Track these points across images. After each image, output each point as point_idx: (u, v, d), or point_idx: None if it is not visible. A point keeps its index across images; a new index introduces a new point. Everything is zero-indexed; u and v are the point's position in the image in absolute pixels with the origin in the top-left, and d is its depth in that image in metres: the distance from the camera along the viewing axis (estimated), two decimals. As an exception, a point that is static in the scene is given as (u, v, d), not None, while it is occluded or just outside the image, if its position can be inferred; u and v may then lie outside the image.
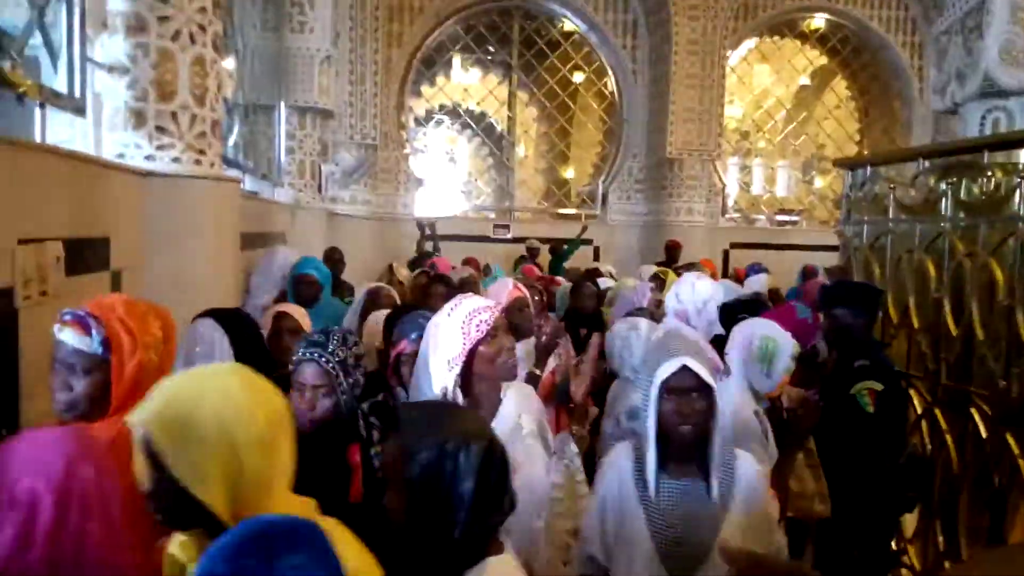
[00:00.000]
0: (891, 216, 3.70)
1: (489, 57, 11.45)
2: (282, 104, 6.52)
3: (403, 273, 5.88)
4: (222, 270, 3.16)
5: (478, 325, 1.95)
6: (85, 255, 2.36)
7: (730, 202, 11.69)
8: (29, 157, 2.03)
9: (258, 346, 2.38)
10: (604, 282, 5.36)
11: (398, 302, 3.59)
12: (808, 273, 6.71)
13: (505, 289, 3.17)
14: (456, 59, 11.41)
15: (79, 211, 2.33)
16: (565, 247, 9.39)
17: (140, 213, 2.83)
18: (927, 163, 3.54)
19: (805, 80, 12.13)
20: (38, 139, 2.53)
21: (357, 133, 9.15)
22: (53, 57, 2.62)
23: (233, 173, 5.04)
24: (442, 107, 11.54)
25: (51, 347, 1.72)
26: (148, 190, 2.87)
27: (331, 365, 1.97)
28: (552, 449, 2.02)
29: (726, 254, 10.88)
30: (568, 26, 11.34)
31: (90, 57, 2.78)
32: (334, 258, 5.84)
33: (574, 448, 1.95)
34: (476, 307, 1.99)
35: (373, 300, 3.54)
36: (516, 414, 2.01)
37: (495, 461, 1.32)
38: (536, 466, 1.94)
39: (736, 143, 12.08)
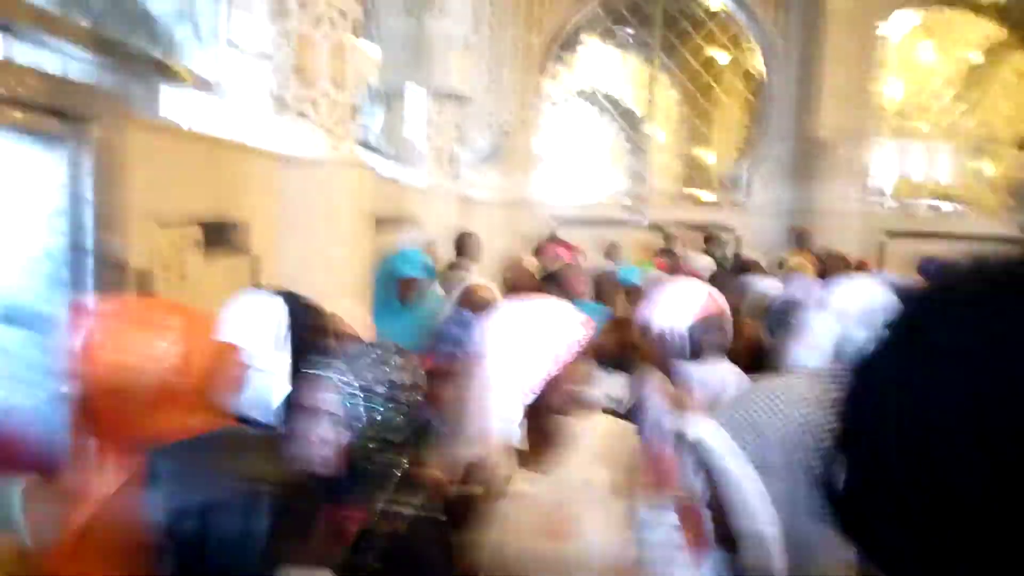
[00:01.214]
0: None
1: (630, 39, 11.17)
2: (422, 89, 6.58)
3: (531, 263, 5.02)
4: (356, 253, 3.17)
5: (570, 344, 1.52)
6: (226, 238, 2.41)
7: (887, 188, 10.89)
8: (170, 140, 2.08)
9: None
10: (760, 282, 3.85)
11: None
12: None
13: (694, 298, 2.32)
14: (595, 41, 11.20)
15: (218, 194, 2.38)
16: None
17: (278, 197, 2.88)
18: None
19: (977, 56, 11.09)
20: (182, 123, 2.61)
21: (495, 119, 9.16)
22: (200, 43, 2.69)
23: (369, 158, 5.14)
24: (581, 93, 11.38)
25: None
26: (286, 174, 2.91)
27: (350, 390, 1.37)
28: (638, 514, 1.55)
29: (882, 245, 10.15)
30: (714, 5, 10.88)
31: (234, 43, 2.84)
32: (466, 244, 5.41)
33: (671, 518, 1.45)
34: (570, 320, 1.57)
35: (468, 300, 2.94)
36: (590, 461, 1.58)
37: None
38: (609, 532, 1.52)
39: (895, 125, 11.22)
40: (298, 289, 2.85)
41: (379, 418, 1.35)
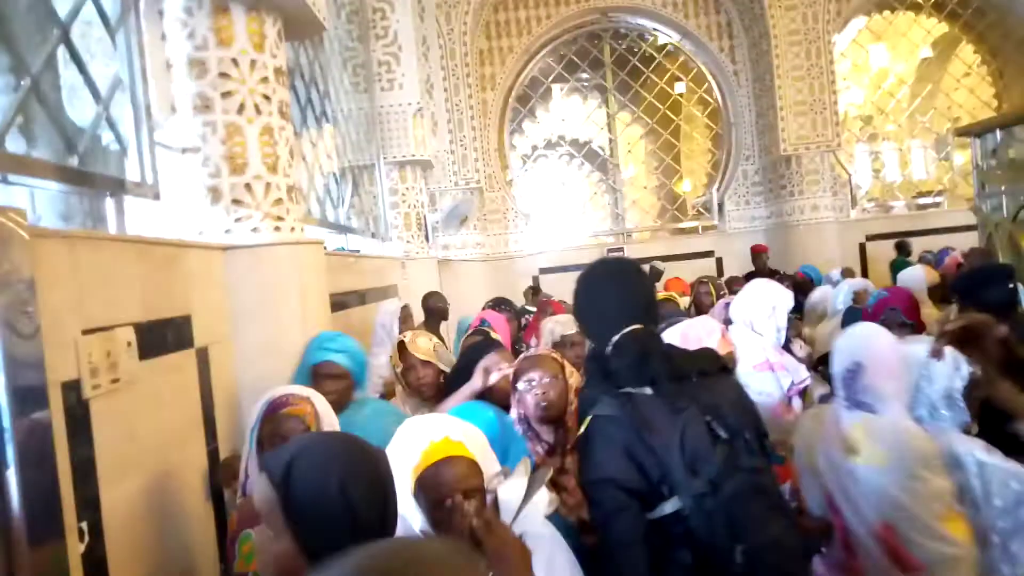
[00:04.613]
0: (1033, 181, 3.25)
1: (584, 84, 11.35)
2: (381, 161, 6.65)
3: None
4: (313, 330, 3.14)
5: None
6: (165, 336, 2.38)
7: (861, 192, 10.95)
8: (92, 247, 2.06)
9: None
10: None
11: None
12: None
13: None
14: (552, 91, 11.38)
15: (153, 294, 2.36)
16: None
17: (223, 287, 2.86)
18: (1068, 116, 3.09)
19: (927, 52, 11.27)
20: (116, 228, 2.61)
21: (461, 179, 9.25)
22: (123, 147, 2.70)
23: (331, 236, 5.16)
24: (547, 142, 11.51)
25: (126, 433, 1.71)
26: (230, 263, 2.90)
27: None
28: None
29: (863, 248, 10.16)
30: (661, 39, 11.09)
31: (160, 142, 2.86)
32: (431, 306, 5.23)
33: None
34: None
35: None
36: None
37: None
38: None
39: (860, 130, 11.34)
40: (255, 374, 2.85)
41: None
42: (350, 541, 0.91)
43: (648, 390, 1.71)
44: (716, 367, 1.87)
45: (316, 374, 2.74)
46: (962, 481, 1.96)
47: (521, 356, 2.47)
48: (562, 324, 3.37)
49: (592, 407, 1.74)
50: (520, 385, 2.34)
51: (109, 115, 2.70)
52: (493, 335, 3.50)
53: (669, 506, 1.63)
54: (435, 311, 5.19)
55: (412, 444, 1.60)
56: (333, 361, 2.76)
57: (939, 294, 4.33)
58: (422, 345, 3.03)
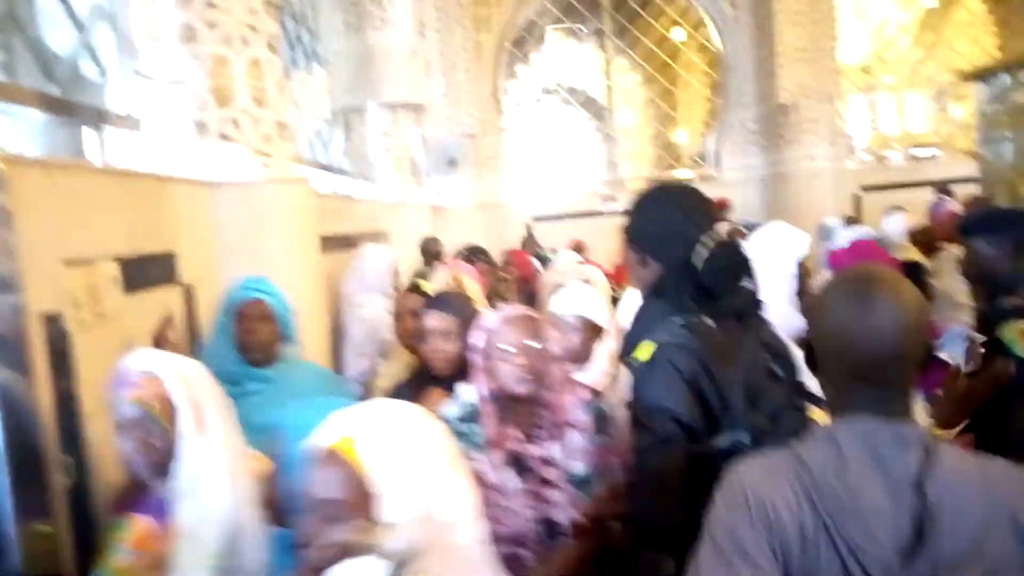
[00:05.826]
0: (1038, 127, 3.20)
1: (582, 28, 11.12)
2: (372, 103, 6.51)
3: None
4: (302, 274, 3.09)
5: None
6: (148, 271, 2.33)
7: (859, 143, 10.85)
8: (72, 178, 1.99)
9: None
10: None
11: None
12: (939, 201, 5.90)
13: None
14: (551, 35, 11.15)
15: (137, 228, 2.30)
16: None
17: (210, 224, 2.80)
18: (1077, 59, 3.02)
19: (931, 2, 11.06)
20: (98, 160, 2.53)
21: (455, 124, 9.10)
22: (104, 77, 2.61)
23: (324, 177, 5.07)
24: (545, 90, 11.32)
25: (109, 367, 1.67)
26: (217, 200, 2.83)
27: None
28: None
29: (857, 199, 10.10)
30: (660, -19, 10.85)
31: (142, 72, 2.77)
32: (432, 250, 5.20)
33: None
34: None
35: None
36: None
37: None
38: None
39: (863, 80, 11.17)
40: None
41: None
42: None
43: (709, 321, 1.66)
44: (758, 309, 1.82)
45: (242, 316, 2.40)
46: None
47: (499, 315, 1.93)
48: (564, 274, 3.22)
49: (650, 334, 1.68)
50: (494, 352, 1.85)
51: (90, 44, 2.60)
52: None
53: (723, 440, 1.60)
54: (434, 256, 5.03)
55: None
56: (263, 300, 2.43)
57: (922, 241, 4.33)
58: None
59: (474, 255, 4.18)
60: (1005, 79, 3.41)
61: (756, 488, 1.12)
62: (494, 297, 4.04)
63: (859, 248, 3.27)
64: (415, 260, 5.61)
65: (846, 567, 1.05)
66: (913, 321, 1.12)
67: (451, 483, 1.25)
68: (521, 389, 1.82)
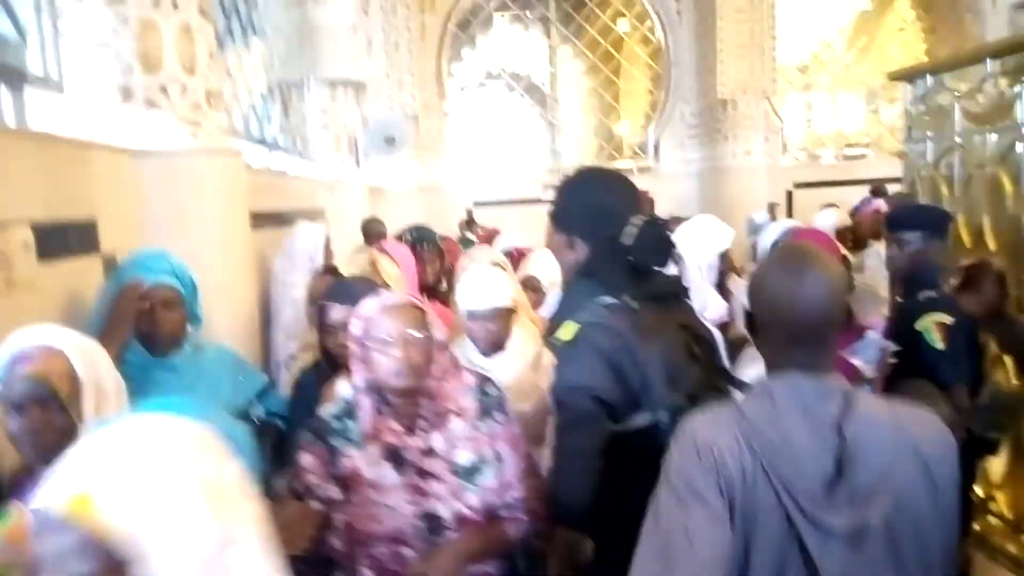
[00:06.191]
0: (958, 129, 3.32)
1: (527, 14, 11.10)
2: (311, 79, 6.38)
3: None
4: (230, 249, 3.01)
5: None
6: (66, 239, 2.24)
7: (793, 140, 11.12)
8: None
9: None
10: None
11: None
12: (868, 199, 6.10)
13: None
14: (497, 20, 11.09)
15: (55, 193, 2.20)
16: None
17: (134, 193, 2.70)
18: (997, 64, 3.14)
19: (865, 5, 11.38)
20: (16, 124, 2.42)
21: (396, 104, 8.98)
22: (22, 36, 2.49)
23: (257, 152, 4.95)
24: (488, 74, 11.25)
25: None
26: (140, 168, 2.73)
27: None
28: None
29: (790, 195, 10.36)
30: (606, -28, 10.89)
31: (66, 33, 2.65)
32: (374, 232, 5.08)
33: None
34: None
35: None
36: None
37: None
38: None
39: (796, 79, 11.45)
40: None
41: None
42: None
43: (633, 303, 1.68)
44: (680, 291, 1.89)
45: (146, 302, 2.18)
46: None
47: (379, 302, 1.77)
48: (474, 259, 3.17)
49: (573, 315, 1.69)
50: (370, 343, 1.72)
51: (7, 1, 2.47)
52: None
53: (642, 419, 1.63)
54: (377, 237, 4.92)
55: None
56: (169, 284, 2.19)
57: (848, 238, 4.49)
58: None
59: (420, 240, 3.71)
60: (929, 81, 3.54)
61: (704, 436, 1.27)
62: (439, 282, 3.80)
63: (808, 236, 3.38)
64: (353, 240, 5.53)
65: (780, 499, 1.22)
66: (839, 290, 1.29)
67: (233, 517, 0.99)
68: (399, 382, 1.70)
